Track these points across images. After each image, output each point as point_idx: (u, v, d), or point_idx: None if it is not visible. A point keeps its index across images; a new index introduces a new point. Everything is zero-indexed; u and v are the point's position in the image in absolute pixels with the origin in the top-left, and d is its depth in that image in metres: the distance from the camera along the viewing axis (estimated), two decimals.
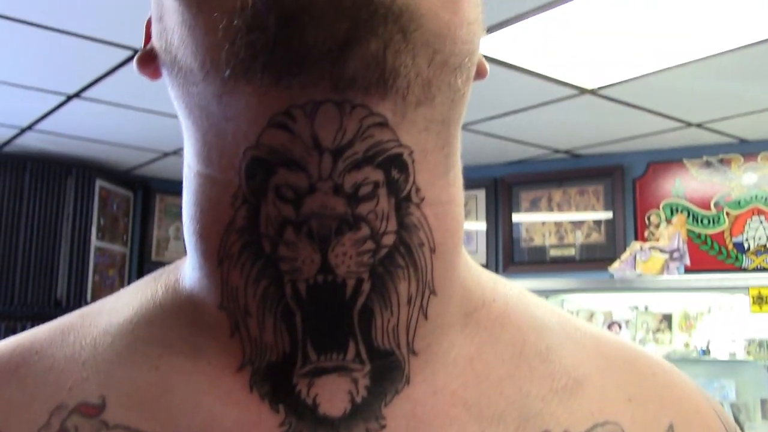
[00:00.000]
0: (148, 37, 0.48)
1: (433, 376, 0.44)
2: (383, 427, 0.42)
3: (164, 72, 0.45)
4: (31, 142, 4.30)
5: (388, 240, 0.40)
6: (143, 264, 5.14)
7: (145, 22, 0.49)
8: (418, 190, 0.41)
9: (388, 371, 0.42)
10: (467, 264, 0.48)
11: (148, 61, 0.46)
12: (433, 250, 0.42)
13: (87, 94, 3.37)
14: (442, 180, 0.43)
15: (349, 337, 0.41)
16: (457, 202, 0.44)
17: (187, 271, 0.46)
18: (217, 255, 0.42)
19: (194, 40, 0.40)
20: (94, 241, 4.83)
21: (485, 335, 0.46)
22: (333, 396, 0.41)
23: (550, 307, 0.53)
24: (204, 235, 0.43)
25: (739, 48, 2.72)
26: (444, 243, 0.43)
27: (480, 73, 0.47)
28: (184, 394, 0.42)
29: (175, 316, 0.45)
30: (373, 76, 0.37)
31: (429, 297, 0.43)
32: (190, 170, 0.44)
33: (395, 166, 0.40)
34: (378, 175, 0.40)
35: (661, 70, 2.96)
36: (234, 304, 0.42)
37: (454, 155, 0.44)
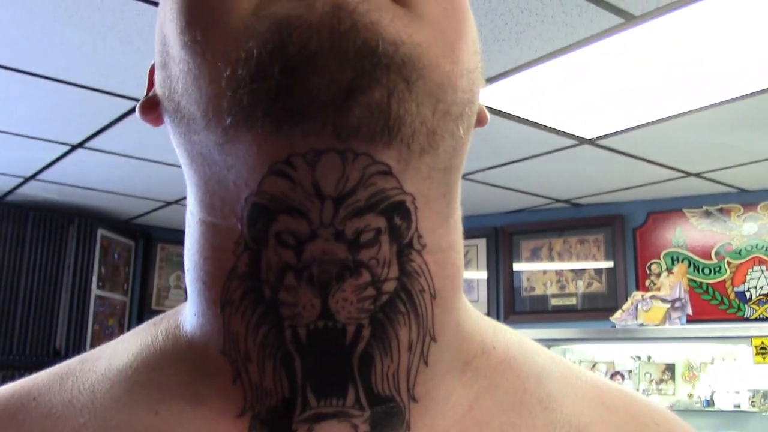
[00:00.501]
0: (151, 84, 0.48)
1: (433, 422, 0.43)
2: None
3: (166, 119, 0.45)
4: (33, 191, 4.32)
5: (389, 286, 0.40)
6: (143, 313, 5.10)
7: (149, 70, 0.49)
8: (420, 236, 0.41)
9: (388, 417, 0.42)
10: (467, 310, 0.48)
11: (151, 108, 0.47)
12: (433, 297, 0.42)
13: (91, 144, 3.39)
14: (443, 227, 0.43)
15: (348, 383, 0.41)
16: (457, 248, 0.44)
17: (187, 317, 0.46)
18: (220, 301, 0.42)
19: (198, 89, 0.40)
20: (94, 290, 4.81)
21: (484, 383, 0.46)
22: None
23: (551, 354, 0.52)
24: (207, 281, 0.43)
25: (737, 98, 2.74)
26: (444, 289, 0.43)
27: (480, 121, 0.48)
28: None
29: (176, 361, 0.45)
30: (378, 124, 0.38)
31: (429, 343, 0.43)
32: (192, 217, 0.44)
33: (398, 213, 0.40)
34: (380, 222, 0.40)
35: (659, 120, 2.98)
36: (235, 350, 0.42)
37: (455, 202, 0.45)
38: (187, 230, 0.45)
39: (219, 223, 0.42)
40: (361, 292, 0.40)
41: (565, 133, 3.15)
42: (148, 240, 5.25)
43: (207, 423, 0.42)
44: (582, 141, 3.26)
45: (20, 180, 4.10)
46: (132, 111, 2.92)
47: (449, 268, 0.43)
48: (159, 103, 0.46)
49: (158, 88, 0.46)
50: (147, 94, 0.48)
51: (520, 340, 0.51)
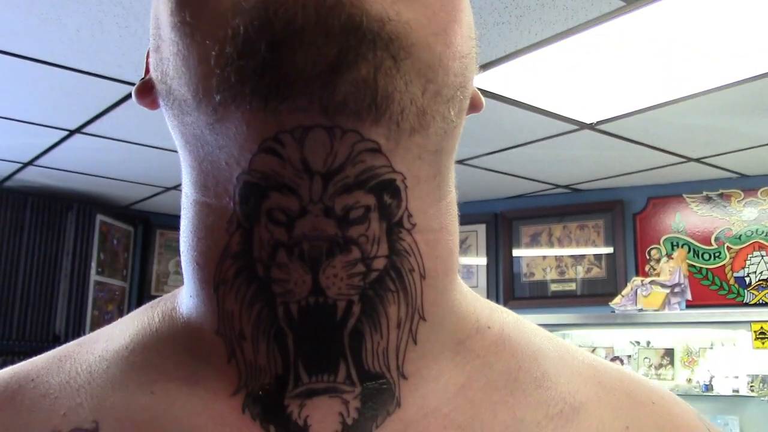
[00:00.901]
0: (147, 68, 0.49)
1: (424, 400, 0.44)
2: None
3: (161, 103, 0.45)
4: (32, 177, 4.32)
5: (379, 264, 0.41)
6: (142, 298, 5.12)
7: (146, 54, 0.49)
8: (410, 216, 0.42)
9: (378, 394, 0.42)
10: (462, 291, 0.48)
11: (146, 91, 0.47)
12: (423, 276, 0.43)
13: (88, 129, 3.39)
14: (434, 208, 0.43)
15: (339, 359, 0.42)
16: (450, 230, 0.45)
17: (184, 298, 0.46)
18: (213, 281, 0.42)
19: (188, 69, 0.40)
20: (93, 276, 4.82)
21: (477, 363, 0.46)
22: (324, 417, 0.42)
23: (548, 334, 0.52)
24: (200, 262, 0.43)
25: (738, 82, 2.73)
26: (434, 269, 0.43)
27: (475, 107, 0.48)
28: (177, 417, 0.43)
29: (172, 342, 0.46)
30: (365, 100, 0.38)
31: (418, 322, 0.43)
32: (187, 199, 0.45)
33: (388, 192, 0.40)
34: (369, 200, 0.40)
35: (660, 105, 2.98)
36: (230, 329, 0.42)
37: (447, 185, 0.45)
38: (182, 213, 0.45)
39: (212, 202, 0.42)
40: (351, 269, 0.40)
41: (566, 117, 3.15)
42: (147, 226, 5.25)
43: (202, 402, 0.43)
44: (582, 126, 3.25)
45: (18, 166, 4.10)
46: (130, 96, 2.90)
47: (440, 248, 0.44)
48: (154, 86, 0.46)
49: (152, 72, 0.46)
50: (143, 78, 0.49)
51: (516, 320, 0.51)
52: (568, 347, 0.52)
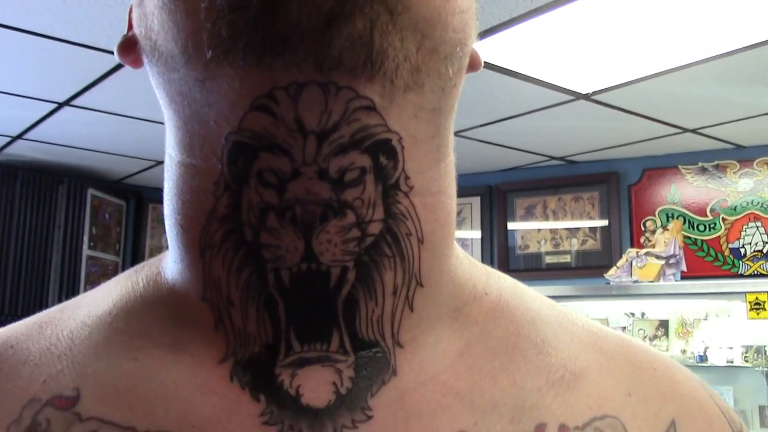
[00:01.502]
0: (130, 23, 0.47)
1: (422, 367, 0.43)
2: (370, 417, 0.41)
3: (145, 60, 0.44)
4: (22, 151, 4.28)
5: (375, 228, 0.39)
6: None
7: (129, 9, 0.47)
8: (407, 178, 0.40)
9: (373, 363, 0.41)
10: (458, 257, 0.46)
11: (129, 48, 0.45)
12: (421, 241, 0.41)
13: (77, 101, 3.35)
14: (433, 170, 0.42)
15: (332, 328, 0.41)
16: (448, 193, 0.43)
17: (169, 263, 0.45)
18: (199, 245, 0.41)
19: (175, 24, 0.39)
20: (85, 251, 4.82)
21: (475, 330, 0.45)
22: (316, 387, 0.41)
23: (547, 300, 0.51)
24: (185, 225, 0.42)
25: (734, 51, 2.71)
26: (433, 234, 0.42)
27: (473, 65, 0.46)
28: (162, 384, 0.41)
29: (157, 308, 0.44)
30: (360, 56, 0.36)
31: (415, 289, 0.42)
32: (171, 160, 0.43)
33: (383, 152, 0.39)
34: (365, 161, 0.38)
35: (656, 75, 2.95)
36: (217, 296, 0.41)
37: (446, 146, 0.43)
38: (166, 175, 0.44)
39: (198, 163, 0.40)
40: (346, 234, 0.39)
41: (561, 88, 3.12)
42: (139, 200, 5.24)
43: (188, 369, 0.42)
44: (578, 96, 3.23)
45: (7, 139, 4.07)
46: (118, 67, 2.87)
47: (439, 212, 0.42)
48: (137, 43, 0.44)
49: (135, 28, 0.44)
50: (126, 34, 0.47)
51: (514, 286, 0.50)
52: (567, 313, 0.51)
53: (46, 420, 0.41)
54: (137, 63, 0.45)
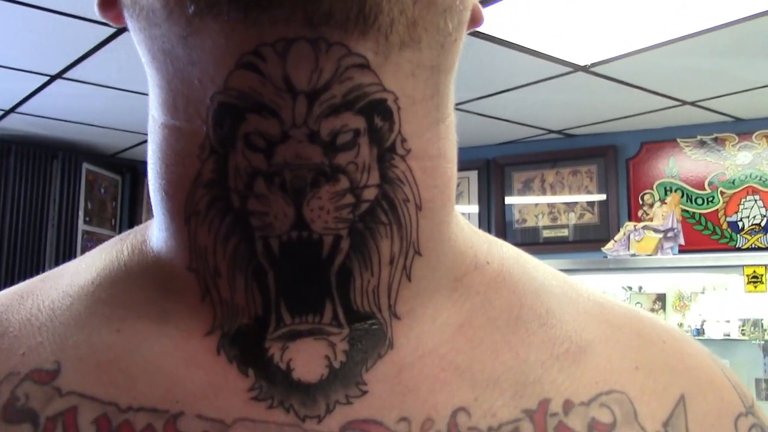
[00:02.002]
0: None
1: (419, 341, 0.41)
2: (365, 392, 0.39)
3: (125, 14, 0.41)
4: (15, 125, 4.24)
5: (370, 194, 0.37)
6: None
7: None
8: (403, 140, 0.38)
9: (368, 335, 0.40)
10: (459, 224, 0.44)
11: (110, 4, 0.43)
12: (419, 207, 0.39)
13: (70, 74, 3.31)
14: (431, 132, 0.39)
15: (325, 299, 0.39)
16: (448, 156, 0.41)
17: (154, 230, 0.43)
18: (184, 212, 0.39)
19: None
20: (81, 225, 4.80)
21: (477, 300, 0.43)
22: (308, 361, 0.39)
23: (552, 270, 0.49)
24: (169, 191, 0.39)
25: (734, 23, 2.68)
26: (431, 200, 0.40)
27: (475, 20, 0.44)
28: (145, 357, 0.40)
29: (141, 277, 0.42)
30: (351, 10, 0.34)
31: (413, 258, 0.40)
32: (154, 122, 0.41)
33: (378, 113, 0.37)
34: (359, 122, 0.36)
35: (655, 46, 2.92)
36: (203, 265, 0.39)
37: (446, 107, 0.41)
38: (149, 137, 0.41)
39: (182, 125, 0.38)
40: (339, 200, 0.37)
41: (559, 59, 3.09)
42: (134, 174, 5.21)
43: (172, 342, 0.40)
44: (576, 68, 3.20)
45: (0, 113, 4.02)
46: (110, 39, 2.83)
47: (438, 176, 0.40)
48: None
49: None
50: None
51: (517, 255, 0.48)
52: (573, 284, 0.49)
53: (25, 395, 0.39)
54: (119, 19, 0.43)
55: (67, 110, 3.98)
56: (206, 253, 0.39)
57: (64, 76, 3.34)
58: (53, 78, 3.38)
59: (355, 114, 0.36)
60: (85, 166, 4.84)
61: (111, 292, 0.42)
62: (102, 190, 5.02)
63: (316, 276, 0.38)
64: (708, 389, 0.46)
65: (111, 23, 0.44)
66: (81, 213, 4.79)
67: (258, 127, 0.36)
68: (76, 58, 3.10)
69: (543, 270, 0.48)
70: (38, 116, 4.07)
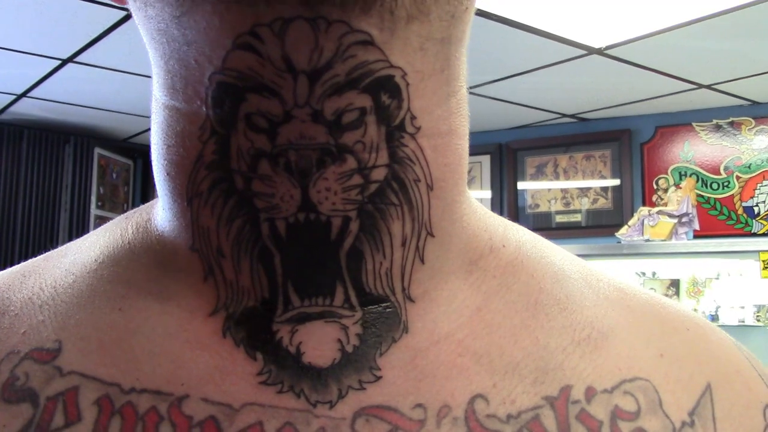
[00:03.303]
0: None
1: (435, 325, 0.40)
2: (378, 378, 0.38)
3: None
4: (27, 109, 4.25)
5: (379, 174, 0.36)
6: None
7: None
8: (413, 118, 0.36)
9: (382, 318, 0.38)
10: (472, 206, 0.43)
11: None
12: (430, 187, 0.38)
13: (81, 58, 3.30)
14: (442, 108, 0.38)
15: (336, 281, 0.38)
16: (460, 133, 0.39)
17: (159, 210, 0.42)
18: (186, 193, 0.38)
19: None
20: (93, 210, 4.83)
21: (494, 284, 0.42)
22: (319, 344, 0.38)
23: (570, 255, 0.47)
24: (171, 172, 0.39)
25: (751, 3, 2.64)
26: (443, 179, 0.38)
27: None
28: (148, 337, 0.39)
29: (144, 256, 0.42)
30: None
31: (426, 239, 0.39)
32: (156, 103, 0.40)
33: (386, 90, 0.35)
34: (365, 101, 0.35)
35: (670, 28, 2.89)
36: (206, 246, 0.38)
37: (456, 79, 0.39)
38: (152, 117, 0.40)
39: (182, 107, 0.37)
40: (346, 181, 0.36)
41: (574, 42, 3.06)
42: (146, 159, 5.22)
43: (175, 320, 0.39)
44: (591, 51, 3.16)
45: (12, 98, 4.04)
46: (121, 22, 2.82)
47: (449, 155, 0.39)
48: None
49: None
50: None
51: (534, 239, 0.46)
52: (592, 269, 0.47)
53: (25, 374, 0.38)
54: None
55: (79, 95, 3.98)
56: (209, 234, 0.38)
57: (76, 60, 3.33)
58: (65, 62, 3.37)
59: (360, 92, 0.35)
60: (97, 150, 4.85)
61: (113, 269, 0.42)
62: (114, 175, 5.04)
63: (325, 258, 0.37)
64: (735, 378, 0.44)
65: (116, 4, 0.42)
66: (93, 198, 4.81)
67: (259, 107, 0.35)
68: (87, 41, 3.09)
69: (561, 255, 0.47)
70: (50, 101, 4.07)
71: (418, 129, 0.37)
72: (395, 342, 0.39)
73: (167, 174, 0.39)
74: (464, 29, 0.38)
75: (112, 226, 0.45)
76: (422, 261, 0.39)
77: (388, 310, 0.39)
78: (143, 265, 0.41)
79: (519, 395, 0.39)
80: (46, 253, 0.47)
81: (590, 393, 0.39)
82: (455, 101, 0.39)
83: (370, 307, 0.38)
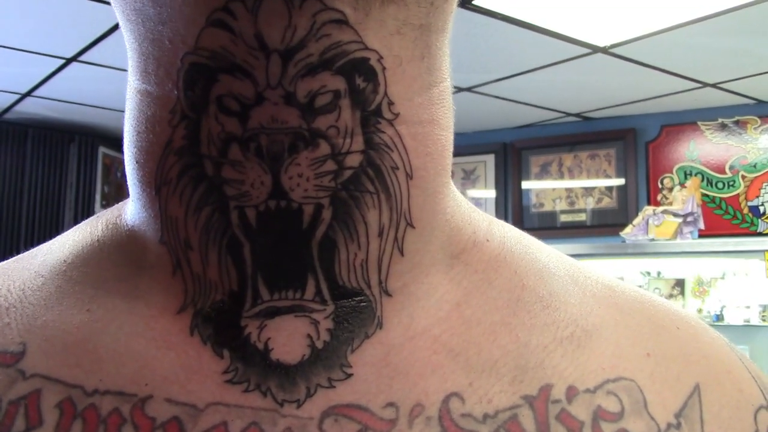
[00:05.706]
0: None
1: (411, 320, 0.38)
2: (349, 375, 0.37)
3: None
4: (31, 108, 4.26)
5: (353, 160, 0.35)
6: None
7: None
8: (390, 103, 0.35)
9: (355, 313, 0.37)
10: (456, 199, 0.42)
11: None
12: (409, 176, 0.37)
13: (85, 57, 3.31)
14: (423, 96, 0.37)
15: (307, 273, 0.36)
16: (442, 124, 0.38)
17: (129, 204, 0.41)
18: (155, 181, 0.37)
19: None
20: (98, 209, 4.82)
21: (475, 279, 0.40)
22: (288, 340, 0.36)
23: (557, 253, 0.46)
24: (140, 159, 0.37)
25: (758, 1, 2.62)
26: (424, 168, 0.37)
27: None
28: (114, 337, 0.38)
29: (114, 254, 0.40)
30: None
31: (405, 230, 0.37)
32: (130, 88, 0.39)
33: (360, 73, 0.34)
34: (338, 83, 0.34)
35: (675, 27, 2.87)
36: (174, 237, 0.37)
37: (439, 70, 0.38)
38: (126, 104, 0.39)
39: (154, 90, 0.36)
40: (319, 167, 0.35)
41: (578, 41, 3.05)
42: None
43: (143, 320, 0.38)
44: (595, 49, 3.15)
45: (16, 97, 4.04)
46: None
47: (431, 144, 0.37)
48: None
49: None
50: None
51: (520, 235, 0.45)
52: (581, 267, 0.46)
53: None
54: None
55: (84, 94, 3.98)
56: (177, 224, 0.37)
57: (80, 59, 3.33)
58: (69, 61, 3.38)
59: (334, 74, 0.34)
60: (102, 149, 4.86)
61: (83, 270, 0.40)
62: (119, 174, 5.04)
63: (296, 248, 0.36)
64: (725, 379, 0.43)
65: None
66: (98, 197, 4.82)
67: (231, 88, 0.34)
68: (91, 40, 3.09)
69: (547, 252, 0.45)
70: (54, 100, 4.08)
71: (397, 115, 0.36)
72: (368, 338, 0.37)
73: (137, 162, 0.38)
74: (446, 19, 0.38)
75: (84, 225, 0.44)
76: (401, 253, 0.38)
77: (362, 304, 0.37)
78: (113, 264, 0.40)
79: (496, 394, 0.37)
80: (19, 255, 0.46)
81: (572, 392, 0.38)
82: (437, 91, 0.38)
83: (343, 300, 0.37)
